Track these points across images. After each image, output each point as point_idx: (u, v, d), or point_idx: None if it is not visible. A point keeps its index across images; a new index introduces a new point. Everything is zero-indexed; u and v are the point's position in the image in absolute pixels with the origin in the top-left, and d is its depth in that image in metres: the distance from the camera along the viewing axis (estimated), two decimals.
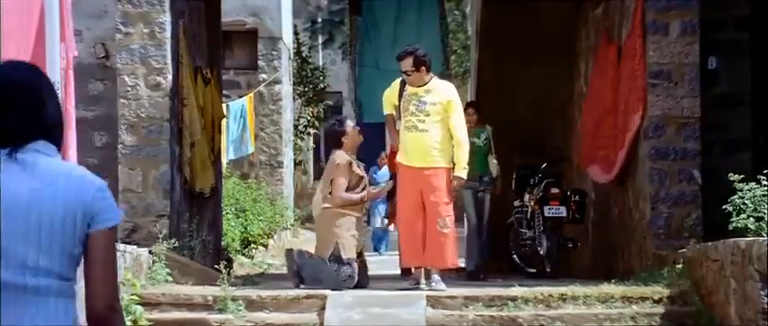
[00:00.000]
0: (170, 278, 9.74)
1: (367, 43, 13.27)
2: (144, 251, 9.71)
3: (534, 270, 12.05)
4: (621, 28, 11.28)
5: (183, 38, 11.02)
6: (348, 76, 14.72)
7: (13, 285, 2.78)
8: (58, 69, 7.48)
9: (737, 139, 10.57)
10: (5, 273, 2.76)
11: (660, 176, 10.27)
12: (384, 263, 16.84)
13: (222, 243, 14.07)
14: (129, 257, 9.33)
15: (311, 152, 26.29)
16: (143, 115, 10.47)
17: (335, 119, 12.09)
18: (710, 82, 10.56)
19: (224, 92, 15.68)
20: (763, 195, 8.83)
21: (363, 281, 10.04)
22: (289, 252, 10.38)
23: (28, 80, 2.97)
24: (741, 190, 8.97)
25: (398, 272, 12.08)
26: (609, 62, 11.49)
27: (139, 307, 8.64)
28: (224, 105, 15.25)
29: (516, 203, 12.57)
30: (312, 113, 24.69)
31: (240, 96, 19.34)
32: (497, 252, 12.68)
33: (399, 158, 9.97)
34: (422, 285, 9.81)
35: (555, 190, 11.80)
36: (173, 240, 10.08)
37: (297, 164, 22.92)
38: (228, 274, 9.77)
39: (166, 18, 10.50)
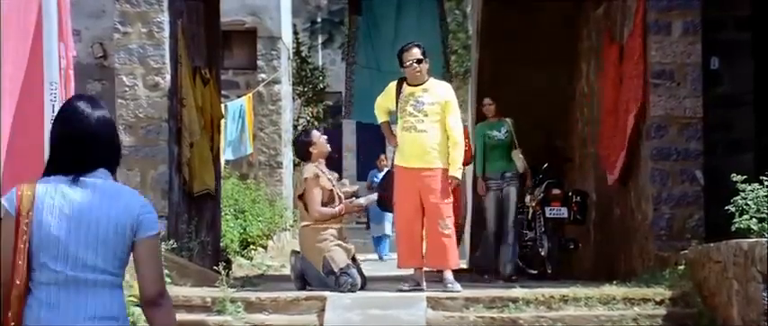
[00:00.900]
0: (168, 279, 9.72)
1: (367, 43, 13.22)
2: None
3: (535, 271, 12.03)
4: (623, 28, 11.28)
5: (182, 38, 11.02)
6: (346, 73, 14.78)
7: (77, 279, 3.72)
8: (55, 69, 7.47)
9: (740, 139, 10.57)
10: (73, 270, 3.71)
11: (662, 176, 10.27)
12: (386, 265, 16.85)
13: (221, 244, 14.07)
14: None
15: None
16: (141, 115, 10.47)
17: (302, 130, 12.11)
18: (713, 82, 10.56)
19: (223, 92, 15.68)
20: (766, 196, 8.83)
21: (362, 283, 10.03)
22: (294, 253, 10.34)
23: (101, 120, 3.83)
24: (744, 191, 8.96)
25: (398, 273, 12.08)
26: (610, 62, 11.49)
27: (137, 309, 8.63)
28: (223, 105, 15.25)
29: (517, 204, 12.55)
30: (312, 114, 24.67)
31: (239, 96, 19.32)
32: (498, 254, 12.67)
33: (396, 160, 9.96)
34: (423, 287, 9.81)
35: (556, 191, 11.79)
36: (171, 241, 10.08)
37: (296, 165, 22.88)
38: (227, 275, 9.77)
39: (165, 18, 10.50)
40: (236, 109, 18.60)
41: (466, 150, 11.68)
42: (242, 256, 16.00)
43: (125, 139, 10.43)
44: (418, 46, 9.92)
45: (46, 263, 3.72)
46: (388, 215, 18.70)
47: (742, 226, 8.79)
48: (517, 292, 9.33)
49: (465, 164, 11.40)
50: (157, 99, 10.47)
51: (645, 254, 10.48)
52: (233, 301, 9.13)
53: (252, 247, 16.75)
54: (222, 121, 14.56)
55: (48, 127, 7.40)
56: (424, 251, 9.97)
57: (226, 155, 18.29)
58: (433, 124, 9.73)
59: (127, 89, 10.48)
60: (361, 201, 10.79)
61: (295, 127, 22.88)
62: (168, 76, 10.53)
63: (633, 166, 10.83)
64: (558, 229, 11.96)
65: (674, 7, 10.31)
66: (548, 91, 13.83)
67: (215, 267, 10.37)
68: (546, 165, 12.35)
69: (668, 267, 9.71)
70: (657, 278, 9.57)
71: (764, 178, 8.93)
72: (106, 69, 10.82)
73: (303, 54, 25.91)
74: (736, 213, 8.88)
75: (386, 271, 15.40)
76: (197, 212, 11.72)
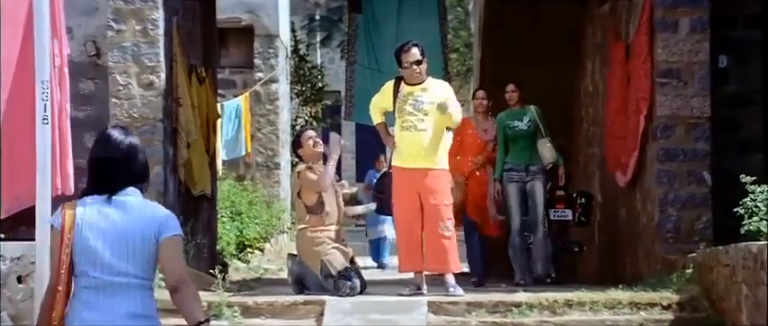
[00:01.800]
0: (163, 284, 9.69)
1: (367, 42, 13.19)
2: None
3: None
4: (629, 25, 11.25)
5: (177, 35, 10.99)
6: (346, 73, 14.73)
7: (112, 283, 4.48)
8: (48, 67, 7.45)
9: (749, 139, 10.53)
10: (108, 276, 4.48)
11: (669, 177, 10.24)
12: (387, 271, 16.80)
13: (217, 247, 14.04)
14: None
15: None
16: (135, 115, 10.44)
17: (299, 129, 12.04)
18: (721, 81, 10.53)
19: (219, 91, 15.64)
20: None
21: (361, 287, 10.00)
22: (291, 257, 10.31)
23: (131, 146, 4.63)
24: (753, 192, 8.94)
25: (398, 277, 12.05)
26: (617, 61, 11.47)
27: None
28: (219, 105, 15.22)
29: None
30: (310, 113, 24.64)
31: (235, 96, 19.30)
32: (500, 257, 12.64)
33: (394, 161, 9.94)
34: (424, 291, 9.79)
35: (560, 192, 11.74)
36: None
37: (294, 166, 22.86)
38: (223, 279, 9.74)
39: (159, 15, 10.47)
40: (233, 109, 18.58)
41: (481, 147, 11.55)
42: (239, 259, 15.98)
43: None
44: (417, 45, 9.90)
45: (85, 270, 4.51)
46: (387, 217, 18.47)
47: (751, 228, 8.76)
48: (520, 296, 9.31)
49: (488, 162, 11.49)
50: (152, 98, 10.44)
51: (651, 257, 10.46)
52: (229, 305, 9.11)
53: (249, 250, 16.72)
54: (218, 121, 14.54)
55: (40, 127, 7.38)
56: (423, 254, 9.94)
57: (221, 155, 18.27)
58: (433, 124, 9.71)
59: (121, 88, 10.45)
60: (359, 209, 10.77)
61: (293, 127, 22.85)
62: (163, 75, 10.50)
63: (639, 167, 10.80)
64: (562, 231, 11.92)
65: (681, 4, 10.29)
66: (551, 90, 13.80)
67: (211, 271, 10.34)
68: (549, 165, 12.30)
69: (675, 270, 9.68)
70: (664, 282, 9.55)
71: None
72: (99, 68, 10.77)
73: (301, 52, 25.88)
74: (746, 215, 8.85)
75: (386, 275, 15.37)
76: (193, 215, 11.69)
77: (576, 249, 12.09)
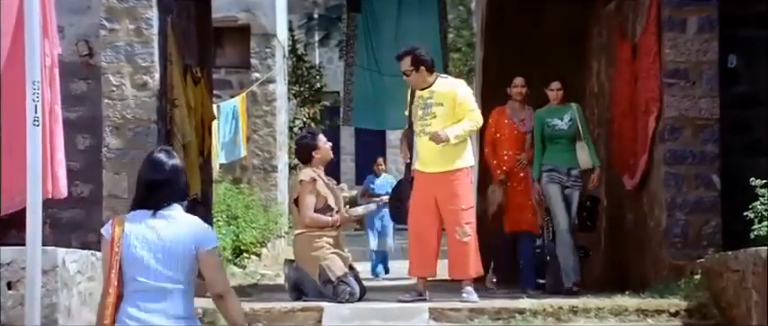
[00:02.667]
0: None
1: (366, 43, 13.17)
2: None
3: (543, 281, 11.98)
4: (635, 25, 11.25)
5: (172, 35, 10.98)
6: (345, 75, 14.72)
7: (158, 287, 5.20)
8: (38, 67, 7.43)
9: (759, 141, 10.52)
10: (155, 281, 5.20)
11: (677, 180, 10.22)
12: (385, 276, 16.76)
13: None
14: None
15: None
16: (129, 116, 10.43)
17: (307, 131, 11.99)
18: (730, 81, 10.52)
19: (214, 92, 15.64)
20: None
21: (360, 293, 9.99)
22: (288, 263, 10.30)
23: (174, 167, 5.33)
24: (763, 196, 8.93)
25: (398, 283, 12.04)
26: (623, 61, 11.46)
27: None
28: (214, 106, 15.22)
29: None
30: (308, 115, 24.65)
31: (232, 97, 19.30)
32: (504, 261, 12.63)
33: (415, 166, 9.99)
34: (425, 297, 9.79)
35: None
36: None
37: (292, 168, 22.86)
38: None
39: (153, 14, 10.46)
40: (229, 110, 18.57)
41: (519, 139, 11.26)
42: (234, 264, 15.98)
43: (111, 141, 10.39)
44: (411, 52, 9.87)
45: (134, 276, 5.21)
46: (389, 228, 18.18)
47: (761, 233, 8.76)
48: (524, 303, 9.30)
49: (530, 160, 11.13)
50: (146, 99, 10.43)
51: (659, 263, 10.45)
52: None
53: (245, 255, 16.72)
54: (214, 122, 14.52)
55: (31, 128, 7.37)
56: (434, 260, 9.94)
57: (219, 158, 18.26)
58: (442, 125, 9.71)
59: (114, 89, 10.44)
60: (359, 210, 10.74)
61: (291, 129, 22.86)
62: (157, 76, 10.50)
63: (646, 170, 10.79)
64: None
65: (688, 3, 10.28)
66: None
67: None
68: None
69: (683, 276, 9.67)
70: (672, 288, 9.54)
71: None
72: (92, 68, 10.77)
73: (299, 52, 25.90)
74: (756, 220, 8.85)
75: (385, 281, 15.36)
76: None
77: (582, 255, 12.06)
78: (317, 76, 26.12)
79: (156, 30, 10.48)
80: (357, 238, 18.54)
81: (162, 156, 5.38)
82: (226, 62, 20.07)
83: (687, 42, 10.29)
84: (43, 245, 7.37)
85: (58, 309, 7.92)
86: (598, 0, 13.13)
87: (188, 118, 11.43)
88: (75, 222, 10.71)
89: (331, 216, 9.98)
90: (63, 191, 8.27)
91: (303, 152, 10.23)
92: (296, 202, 10.00)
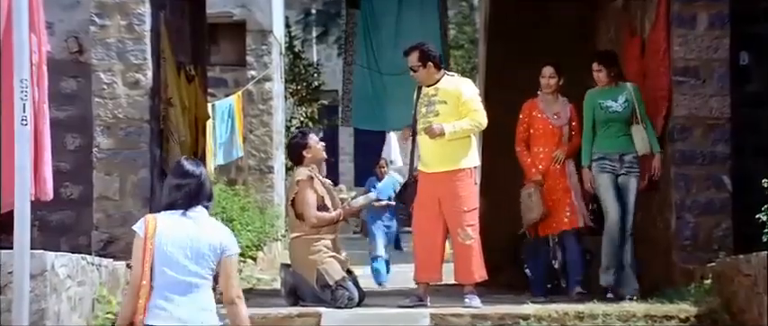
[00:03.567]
0: None
1: (366, 40, 13.17)
2: (121, 265, 9.66)
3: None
4: (644, 20, 11.24)
5: (165, 31, 10.98)
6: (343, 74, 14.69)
7: (185, 281, 5.92)
8: (26, 65, 7.44)
9: None
10: (182, 276, 5.91)
11: (686, 182, 10.22)
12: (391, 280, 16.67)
13: None
14: (104, 271, 9.29)
15: None
16: (120, 116, 10.42)
17: (298, 131, 11.99)
18: (741, 79, 10.52)
19: (209, 90, 15.64)
20: None
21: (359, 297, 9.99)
22: (284, 267, 10.29)
23: (200, 175, 6.08)
24: None
25: (398, 287, 12.04)
26: (632, 58, 11.45)
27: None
28: (209, 105, 15.21)
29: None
30: (306, 114, 24.67)
31: (227, 95, 19.29)
32: (508, 264, 12.62)
33: (419, 166, 9.98)
34: (426, 302, 9.78)
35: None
36: None
37: (288, 169, 22.88)
38: (213, 290, 9.72)
39: (146, 9, 10.45)
40: (225, 109, 18.57)
41: (555, 134, 10.72)
42: None
43: (102, 141, 10.39)
44: (416, 48, 9.89)
45: (164, 270, 5.90)
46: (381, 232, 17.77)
47: None
48: (528, 308, 9.29)
49: (571, 152, 10.64)
50: (138, 98, 10.43)
51: (667, 267, 10.44)
52: (220, 318, 9.07)
53: (240, 259, 16.70)
54: (209, 122, 14.51)
55: (19, 128, 7.37)
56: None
57: (216, 159, 18.26)
58: (447, 123, 9.70)
59: (105, 87, 10.43)
60: (360, 200, 10.75)
61: (288, 128, 22.87)
62: (150, 74, 10.49)
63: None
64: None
65: None
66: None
67: None
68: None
69: (693, 281, 9.66)
70: (681, 293, 9.53)
71: None
72: (82, 65, 10.76)
73: (296, 49, 25.93)
74: None
75: (386, 285, 15.33)
76: None
77: (588, 258, 12.05)
78: (315, 74, 26.13)
79: (148, 26, 10.47)
80: (358, 241, 18.52)
81: (188, 164, 6.16)
82: (220, 59, 20.06)
83: (697, 39, 10.28)
84: (31, 248, 7.37)
85: (46, 315, 7.91)
86: None
87: (182, 117, 11.42)
88: (64, 225, 10.70)
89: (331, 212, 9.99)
90: (49, 193, 8.26)
91: (294, 152, 10.25)
92: (293, 203, 9.99)
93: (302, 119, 24.42)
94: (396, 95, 12.05)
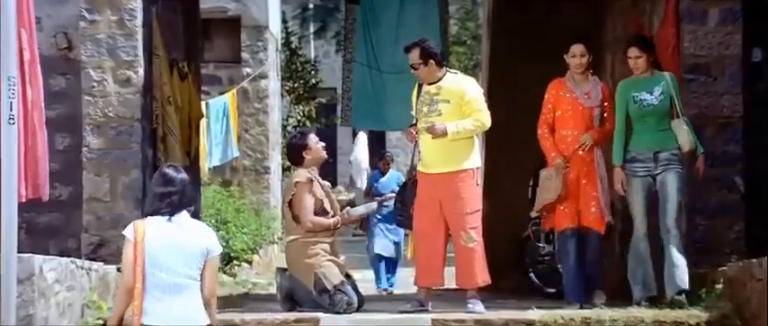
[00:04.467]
0: None
1: (366, 37, 13.16)
2: (112, 269, 9.65)
3: (554, 290, 11.97)
4: (653, 16, 11.23)
5: (157, 27, 10.96)
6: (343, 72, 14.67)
7: (174, 282, 6.47)
8: (14, 62, 7.43)
9: None
10: (174, 278, 6.48)
11: (697, 184, 10.18)
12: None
13: None
14: (94, 276, 9.27)
15: None
16: (111, 114, 10.42)
17: (297, 131, 11.98)
18: (754, 77, 10.50)
19: (203, 88, 15.63)
20: None
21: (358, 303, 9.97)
22: (280, 272, 10.27)
23: (183, 180, 6.67)
24: None
25: (399, 292, 12.02)
26: None
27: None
28: (203, 103, 15.20)
29: (533, 213, 12.47)
30: (303, 113, 24.66)
31: (221, 93, 19.30)
32: (510, 269, 12.62)
33: (419, 167, 9.96)
34: (428, 307, 9.77)
35: None
36: None
37: (285, 169, 22.87)
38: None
39: (137, 4, 10.44)
40: (219, 107, 18.57)
41: (585, 115, 10.11)
42: (224, 272, 15.96)
43: (92, 141, 10.37)
44: (417, 45, 9.87)
45: (154, 272, 6.46)
46: (382, 231, 17.47)
47: None
48: (533, 314, 9.27)
49: (598, 142, 10.06)
50: (129, 96, 10.42)
51: None
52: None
53: (235, 262, 16.70)
54: (203, 121, 14.51)
55: (5, 127, 7.36)
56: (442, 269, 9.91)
57: (212, 160, 18.25)
58: (448, 121, 9.69)
59: (95, 85, 10.42)
60: (360, 210, 10.73)
61: (284, 127, 22.86)
62: (141, 71, 10.48)
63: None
64: None
65: None
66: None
67: None
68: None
69: (704, 286, 9.64)
70: (692, 299, 9.51)
71: None
72: (71, 62, 10.75)
73: (293, 45, 25.91)
74: None
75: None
76: None
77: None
78: (313, 72, 26.10)
79: (140, 21, 10.46)
80: (357, 244, 18.47)
81: (170, 171, 6.71)
82: (215, 56, 20.07)
83: (708, 35, 10.27)
84: (18, 252, 7.36)
85: (34, 321, 7.89)
86: None
87: (175, 116, 11.42)
88: (53, 228, 10.69)
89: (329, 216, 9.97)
90: (46, 194, 8.26)
91: (293, 153, 10.23)
92: (290, 205, 9.98)
93: (299, 118, 24.41)
94: (397, 94, 12.02)
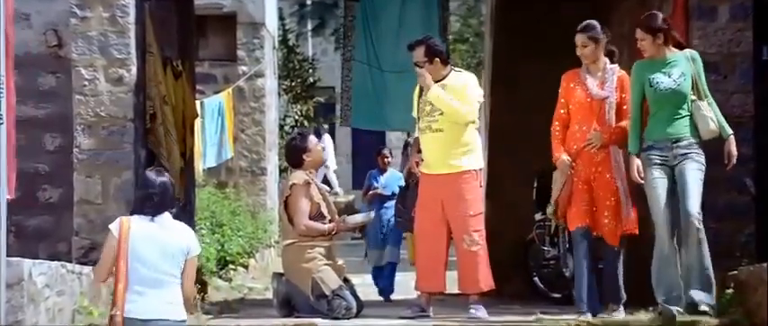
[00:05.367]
0: None
1: (365, 35, 13.16)
2: None
3: (559, 295, 11.97)
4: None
5: (151, 24, 10.95)
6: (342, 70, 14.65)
7: (156, 278, 6.91)
8: (2, 62, 7.44)
9: None
10: (153, 273, 6.90)
11: (706, 184, 10.17)
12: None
13: None
14: (85, 280, 9.25)
15: None
16: (102, 114, 10.41)
17: (297, 132, 11.96)
18: (765, 75, 10.49)
19: (197, 87, 15.62)
20: None
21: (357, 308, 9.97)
22: (276, 276, 10.27)
23: (163, 183, 7.10)
24: None
25: (398, 296, 12.02)
26: None
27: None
28: (197, 103, 15.18)
29: (537, 216, 12.47)
30: (300, 112, 24.65)
31: (216, 92, 19.27)
32: (513, 273, 12.61)
33: (421, 167, 9.96)
34: (429, 313, 9.77)
35: None
36: None
37: (283, 171, 22.86)
38: (202, 299, 9.72)
39: (130, 0, 10.43)
40: (214, 107, 18.54)
41: (595, 108, 9.56)
42: (219, 277, 15.94)
43: (83, 141, 10.36)
44: (422, 43, 9.90)
45: (137, 266, 6.88)
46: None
47: None
48: (538, 319, 9.28)
49: (610, 142, 9.55)
50: (121, 95, 10.41)
51: None
52: None
53: (231, 266, 16.67)
54: (197, 121, 14.47)
55: None
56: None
57: (207, 161, 18.24)
58: (452, 123, 9.69)
59: (86, 84, 10.41)
60: (358, 218, 10.73)
61: (281, 127, 22.85)
62: (134, 69, 10.47)
63: None
64: None
65: None
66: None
67: None
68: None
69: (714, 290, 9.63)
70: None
71: None
72: (61, 60, 10.75)
73: (290, 43, 25.90)
74: None
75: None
76: None
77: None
78: (310, 70, 26.10)
79: (132, 18, 10.45)
80: (356, 247, 18.46)
81: (152, 174, 7.15)
82: (209, 54, 20.04)
83: (718, 32, 10.26)
84: (7, 256, 7.36)
85: None
86: None
87: (171, 116, 11.41)
88: (42, 231, 10.68)
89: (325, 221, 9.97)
90: (12, 190, 8.23)
91: (293, 155, 10.23)
92: (286, 207, 9.97)
93: (297, 117, 24.40)
94: (397, 93, 12.04)
